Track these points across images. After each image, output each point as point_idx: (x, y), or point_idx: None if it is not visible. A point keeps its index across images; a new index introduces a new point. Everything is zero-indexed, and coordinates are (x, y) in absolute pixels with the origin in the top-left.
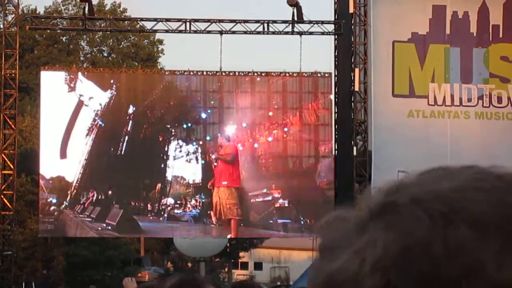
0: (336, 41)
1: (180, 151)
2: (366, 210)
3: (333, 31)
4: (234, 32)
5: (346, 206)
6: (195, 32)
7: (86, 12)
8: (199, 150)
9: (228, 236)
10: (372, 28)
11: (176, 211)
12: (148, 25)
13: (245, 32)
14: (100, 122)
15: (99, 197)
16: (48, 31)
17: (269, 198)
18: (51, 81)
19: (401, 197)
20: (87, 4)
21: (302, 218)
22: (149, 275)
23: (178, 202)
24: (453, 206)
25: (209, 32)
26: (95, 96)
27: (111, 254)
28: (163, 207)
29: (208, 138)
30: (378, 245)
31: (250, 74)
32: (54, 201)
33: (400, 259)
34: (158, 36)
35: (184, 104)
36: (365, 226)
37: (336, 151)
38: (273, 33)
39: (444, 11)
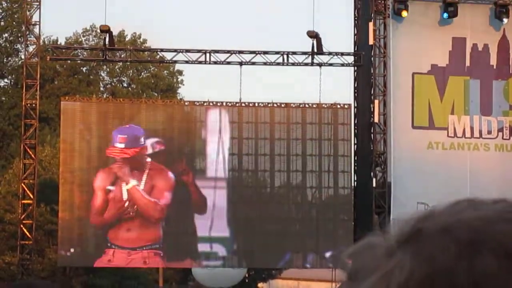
0: (355, 73)
1: None
2: (395, 237)
3: (353, 62)
4: (253, 63)
5: (372, 235)
6: (215, 63)
7: (107, 42)
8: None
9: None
10: (391, 59)
11: None
12: (168, 55)
13: (265, 63)
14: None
15: None
16: (69, 61)
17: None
18: (72, 112)
19: (429, 225)
20: (107, 34)
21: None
22: None
23: None
24: (481, 235)
25: (228, 63)
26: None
27: (130, 284)
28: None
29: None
30: (404, 270)
31: (269, 105)
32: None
33: (424, 285)
34: (178, 66)
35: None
36: (393, 252)
37: (356, 182)
38: (293, 64)
39: (464, 44)
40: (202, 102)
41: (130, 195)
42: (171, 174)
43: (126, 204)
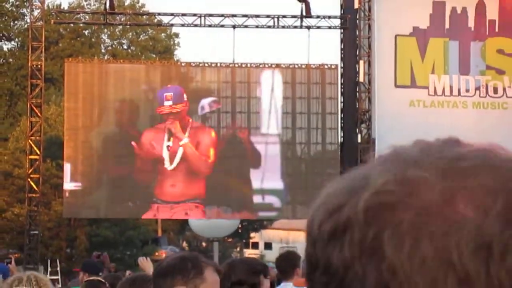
0: (342, 35)
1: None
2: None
3: (339, 25)
4: (246, 26)
5: None
6: (210, 26)
7: (107, 7)
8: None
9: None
10: (376, 22)
11: None
12: (165, 19)
13: (257, 26)
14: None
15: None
16: (72, 25)
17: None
18: (75, 72)
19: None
20: (108, 0)
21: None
22: (166, 254)
23: None
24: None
25: (222, 26)
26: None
27: (131, 234)
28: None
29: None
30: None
31: (261, 66)
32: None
33: None
34: (174, 30)
35: (198, 94)
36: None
37: (342, 139)
38: (283, 27)
39: (443, 7)
40: (197, 63)
41: (184, 151)
42: (213, 132)
43: (178, 160)
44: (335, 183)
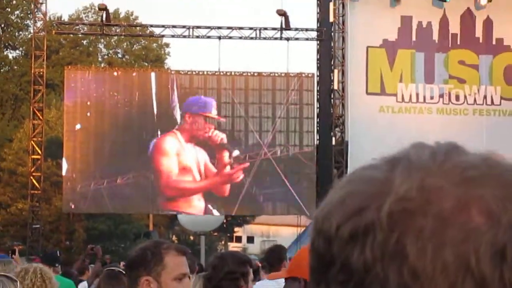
0: (318, 46)
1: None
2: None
3: (316, 37)
4: (230, 38)
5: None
6: (197, 37)
7: (104, 19)
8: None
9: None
10: (349, 35)
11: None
12: (157, 30)
13: (240, 38)
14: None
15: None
16: (71, 35)
17: None
18: (74, 79)
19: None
20: (104, 12)
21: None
22: None
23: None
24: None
25: (209, 37)
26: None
27: (125, 228)
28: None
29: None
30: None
31: (244, 74)
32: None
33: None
34: (165, 40)
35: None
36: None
37: (318, 141)
38: (264, 38)
39: (410, 21)
40: (186, 71)
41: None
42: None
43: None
44: (347, 184)
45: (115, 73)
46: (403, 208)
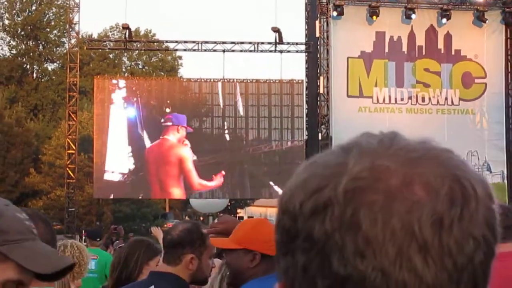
0: (306, 57)
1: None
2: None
3: (304, 50)
4: (233, 51)
5: None
6: (205, 50)
7: (127, 36)
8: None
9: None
10: (332, 47)
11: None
12: (171, 45)
13: (241, 51)
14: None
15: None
16: (100, 50)
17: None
18: (102, 86)
19: None
20: (127, 30)
21: (282, 184)
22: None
23: None
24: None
25: (215, 50)
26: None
27: (145, 210)
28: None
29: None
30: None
31: (244, 81)
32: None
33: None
34: (178, 53)
35: (196, 102)
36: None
37: (307, 137)
38: (261, 51)
39: (384, 36)
40: (196, 79)
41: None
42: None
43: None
44: (307, 168)
45: (136, 81)
46: (356, 186)
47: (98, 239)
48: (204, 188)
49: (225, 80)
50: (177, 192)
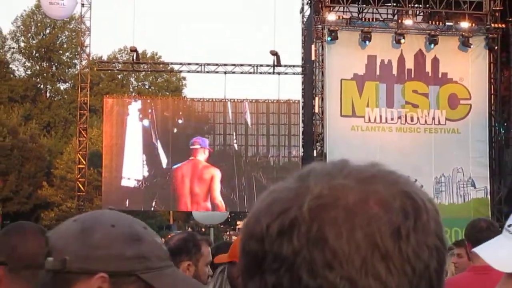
0: (303, 79)
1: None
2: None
3: (301, 72)
4: (234, 72)
5: None
6: (208, 72)
7: (134, 58)
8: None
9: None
10: (327, 70)
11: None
12: (176, 67)
13: (241, 72)
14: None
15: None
16: (109, 71)
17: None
18: (111, 105)
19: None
20: (135, 53)
21: None
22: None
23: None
24: None
25: (217, 72)
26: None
27: (150, 222)
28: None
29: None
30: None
31: (244, 100)
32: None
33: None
34: (182, 74)
35: (199, 121)
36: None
37: (303, 153)
38: (260, 73)
39: (375, 59)
40: (199, 99)
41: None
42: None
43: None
44: (270, 195)
45: (140, 100)
46: (319, 204)
47: None
48: (220, 205)
49: (226, 100)
50: (203, 205)
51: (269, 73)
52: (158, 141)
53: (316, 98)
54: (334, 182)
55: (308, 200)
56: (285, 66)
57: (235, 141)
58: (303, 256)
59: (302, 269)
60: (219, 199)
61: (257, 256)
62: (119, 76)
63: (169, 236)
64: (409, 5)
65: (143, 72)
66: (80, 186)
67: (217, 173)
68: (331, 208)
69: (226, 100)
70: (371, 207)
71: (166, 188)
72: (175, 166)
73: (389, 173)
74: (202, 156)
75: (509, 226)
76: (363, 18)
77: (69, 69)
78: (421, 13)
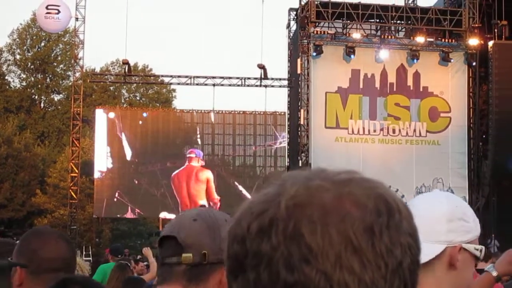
0: (288, 91)
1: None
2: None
3: (287, 85)
4: (222, 85)
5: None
6: (197, 84)
7: (126, 70)
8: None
9: None
10: (312, 83)
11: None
12: (166, 79)
13: (230, 85)
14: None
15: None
16: (102, 83)
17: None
18: (103, 116)
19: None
20: (126, 65)
21: None
22: None
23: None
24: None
25: (206, 84)
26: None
27: (141, 228)
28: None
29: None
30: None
31: (232, 112)
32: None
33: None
34: (172, 86)
35: (188, 131)
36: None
37: (288, 163)
38: (248, 85)
39: (358, 73)
40: (188, 110)
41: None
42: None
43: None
44: (250, 201)
45: (134, 111)
46: (295, 202)
47: (119, 255)
48: (216, 202)
49: (215, 112)
50: (202, 203)
51: (256, 85)
52: (123, 133)
53: (302, 110)
54: (310, 183)
55: (285, 199)
56: (272, 79)
57: (222, 151)
58: (281, 251)
59: (280, 264)
60: (217, 198)
61: (239, 257)
62: (111, 88)
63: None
64: (392, 22)
65: (135, 84)
66: (73, 194)
67: (211, 176)
68: (307, 206)
69: (215, 112)
70: (346, 206)
71: (168, 196)
72: (173, 174)
73: (363, 178)
74: (196, 164)
75: None
76: (347, 34)
77: (63, 81)
78: (403, 29)
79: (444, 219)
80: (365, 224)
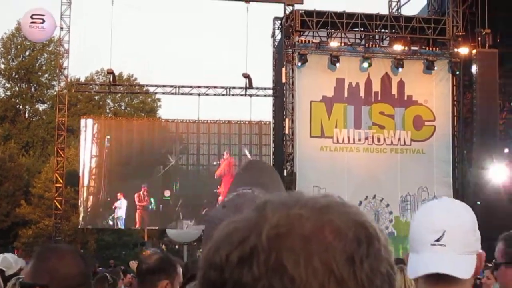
0: (273, 100)
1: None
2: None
3: (272, 94)
4: (207, 94)
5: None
6: (182, 94)
7: (111, 80)
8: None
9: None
10: (297, 92)
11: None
12: (151, 89)
13: (215, 94)
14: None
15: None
16: (86, 92)
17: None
18: (88, 126)
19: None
20: (111, 75)
21: None
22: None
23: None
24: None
25: (191, 94)
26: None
27: (126, 239)
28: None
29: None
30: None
31: (217, 121)
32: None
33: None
34: (157, 96)
35: (173, 140)
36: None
37: None
38: (233, 95)
39: (343, 82)
40: (173, 120)
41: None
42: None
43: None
44: (228, 225)
45: (119, 121)
46: (276, 232)
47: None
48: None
49: (200, 121)
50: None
51: (241, 95)
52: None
53: (287, 120)
54: (290, 212)
55: (266, 229)
56: (257, 88)
57: (207, 161)
58: (262, 284)
59: None
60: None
61: (216, 284)
62: (96, 98)
63: (144, 254)
64: (376, 30)
65: (119, 94)
66: (58, 204)
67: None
68: (288, 237)
69: (200, 121)
70: (326, 236)
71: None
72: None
73: (341, 204)
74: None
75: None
76: (327, 43)
77: (48, 91)
78: (387, 38)
79: (471, 229)
80: (347, 255)
